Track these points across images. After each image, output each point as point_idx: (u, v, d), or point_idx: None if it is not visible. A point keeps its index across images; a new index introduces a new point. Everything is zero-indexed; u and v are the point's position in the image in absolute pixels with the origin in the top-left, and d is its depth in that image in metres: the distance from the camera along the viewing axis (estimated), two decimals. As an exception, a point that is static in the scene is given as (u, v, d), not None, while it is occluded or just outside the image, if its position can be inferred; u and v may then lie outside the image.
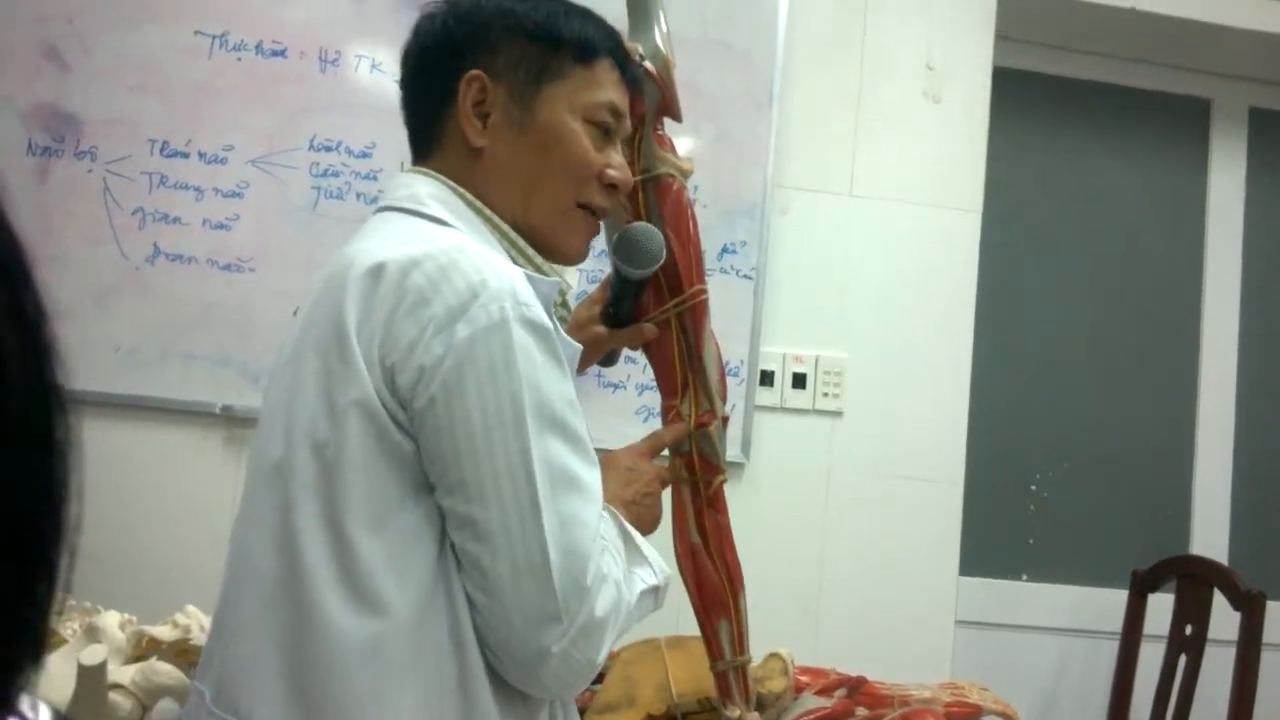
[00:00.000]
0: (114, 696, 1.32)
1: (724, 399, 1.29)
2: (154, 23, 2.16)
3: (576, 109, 1.05)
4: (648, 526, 1.14)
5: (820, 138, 2.38)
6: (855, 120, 2.40)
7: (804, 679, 1.64)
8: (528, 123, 1.04)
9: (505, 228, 1.04)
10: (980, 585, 2.58)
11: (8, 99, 2.12)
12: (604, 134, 1.08)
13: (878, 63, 2.41)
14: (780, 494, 2.30)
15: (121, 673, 1.35)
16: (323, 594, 0.89)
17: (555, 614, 0.88)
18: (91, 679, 1.27)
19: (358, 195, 2.20)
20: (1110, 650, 2.44)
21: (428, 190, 1.03)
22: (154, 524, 2.09)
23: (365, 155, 2.20)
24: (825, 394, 2.33)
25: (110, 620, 1.44)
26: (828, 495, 2.32)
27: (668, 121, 1.28)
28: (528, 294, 0.93)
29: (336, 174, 2.20)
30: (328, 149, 2.20)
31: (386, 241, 0.95)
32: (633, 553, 1.03)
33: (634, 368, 2.21)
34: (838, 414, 2.34)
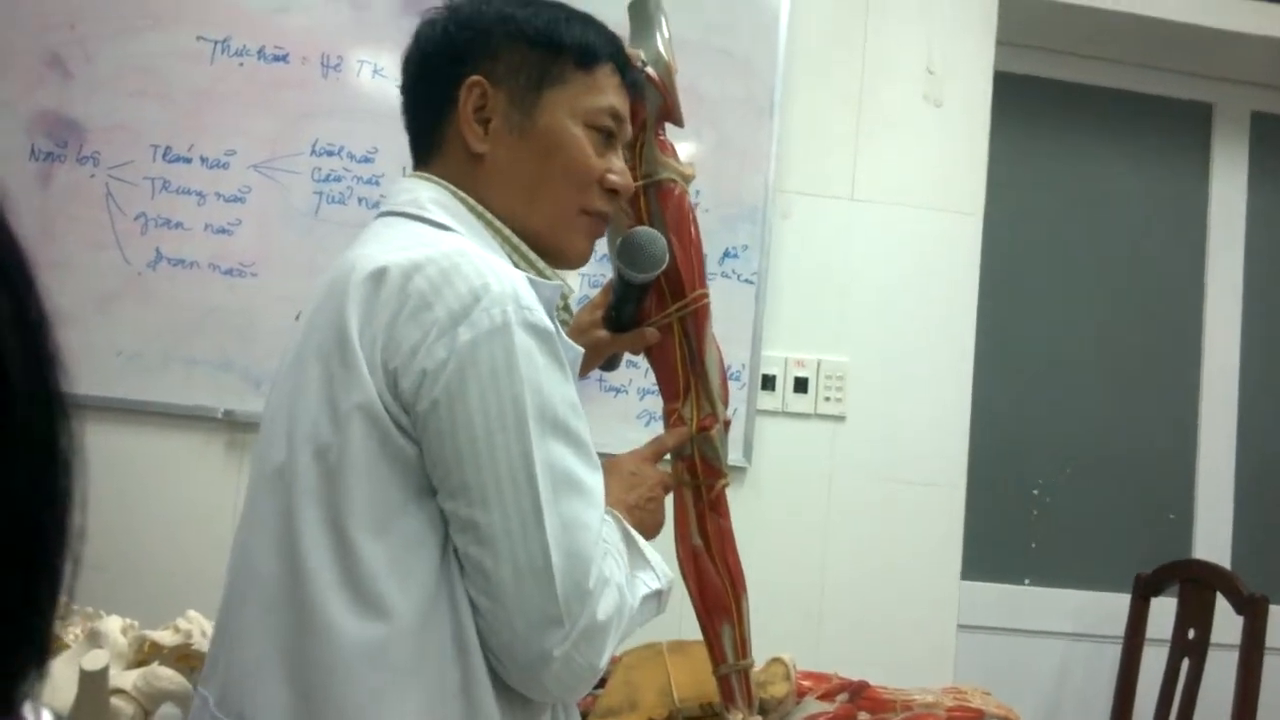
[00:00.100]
0: (116, 701, 1.32)
1: (725, 403, 1.29)
2: (156, 29, 2.17)
3: (578, 114, 1.05)
4: (651, 531, 1.14)
5: (821, 142, 2.38)
6: (856, 124, 2.40)
7: (806, 684, 1.64)
8: (529, 128, 1.04)
9: (507, 232, 1.04)
10: (983, 589, 2.58)
11: (10, 105, 2.13)
12: (605, 139, 1.08)
13: (878, 67, 2.41)
14: (782, 498, 2.30)
15: (123, 678, 1.35)
16: (325, 598, 0.89)
17: (557, 617, 0.88)
18: (93, 684, 1.27)
19: (359, 200, 2.20)
20: (1113, 654, 2.43)
21: (429, 195, 1.03)
22: (156, 529, 2.09)
23: (367, 160, 2.21)
24: (827, 398, 2.33)
25: (112, 625, 1.44)
26: (830, 499, 2.32)
27: (669, 127, 1.28)
28: (530, 298, 0.93)
29: (338, 179, 2.20)
30: (329, 154, 2.20)
31: (388, 246, 0.95)
32: (636, 557, 1.03)
33: (636, 372, 2.21)
34: (840, 418, 2.34)
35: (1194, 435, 2.76)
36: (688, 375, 1.28)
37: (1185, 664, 2.22)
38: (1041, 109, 2.76)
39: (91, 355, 2.07)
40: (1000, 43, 2.47)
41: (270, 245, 2.17)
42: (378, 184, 2.20)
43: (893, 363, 2.36)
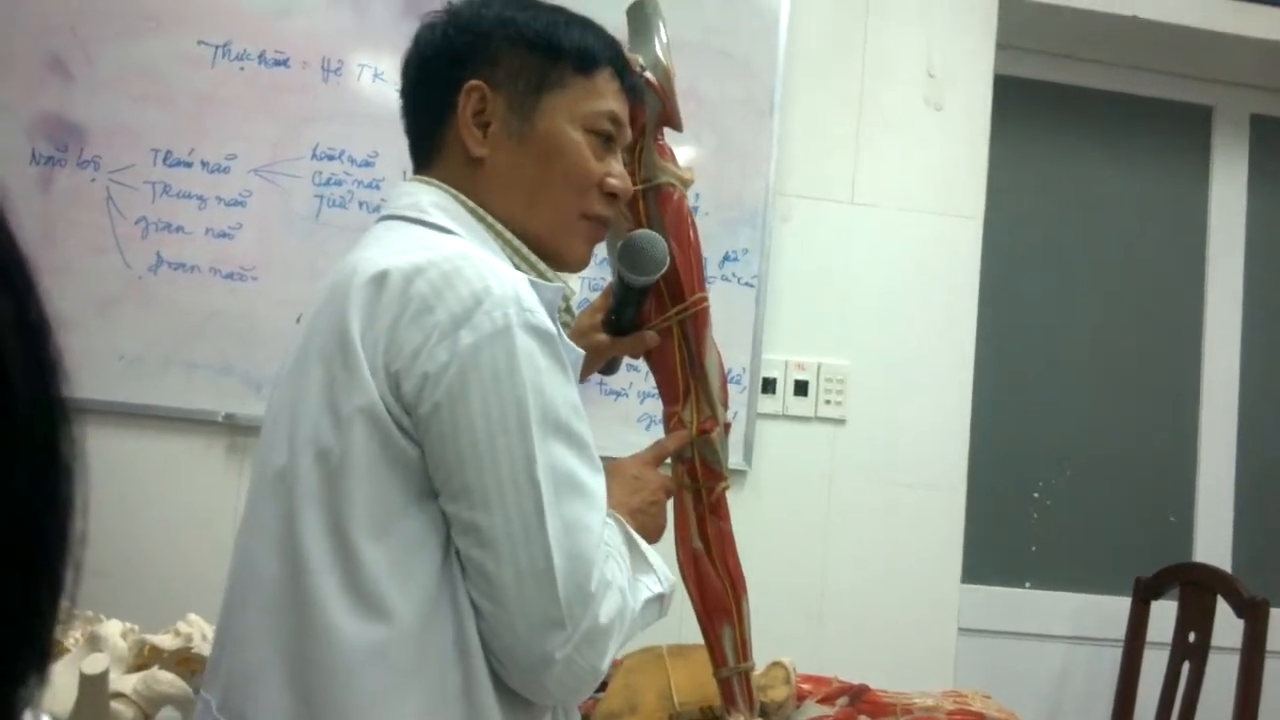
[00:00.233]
0: (116, 705, 1.32)
1: (725, 406, 1.29)
2: (157, 33, 2.17)
3: (577, 118, 1.06)
4: (653, 535, 1.14)
5: (821, 145, 2.38)
6: (856, 127, 2.40)
7: (806, 687, 1.64)
8: (528, 133, 1.04)
9: (508, 234, 1.04)
10: (983, 592, 2.58)
11: (11, 109, 2.13)
12: (604, 143, 1.08)
13: (879, 70, 2.41)
14: (783, 501, 2.30)
15: (123, 681, 1.35)
16: (327, 600, 0.89)
17: (559, 620, 0.88)
18: (93, 688, 1.27)
19: (360, 204, 2.20)
20: (1113, 658, 2.43)
21: (430, 198, 1.03)
22: (156, 532, 2.09)
23: (368, 164, 2.21)
24: (827, 401, 2.33)
25: (112, 629, 1.44)
26: (830, 502, 2.32)
27: (668, 131, 1.28)
28: (531, 300, 0.93)
29: (339, 183, 2.20)
30: (330, 158, 2.20)
31: (389, 249, 0.95)
32: (638, 560, 1.03)
33: (636, 375, 2.21)
34: (840, 421, 2.34)
35: (1194, 438, 2.76)
36: (688, 378, 1.28)
37: (1186, 667, 2.22)
38: (1042, 112, 2.76)
39: (92, 359, 2.07)
40: (1000, 46, 2.47)
41: (271, 249, 2.17)
42: (378, 188, 2.20)
43: (893, 366, 2.36)
